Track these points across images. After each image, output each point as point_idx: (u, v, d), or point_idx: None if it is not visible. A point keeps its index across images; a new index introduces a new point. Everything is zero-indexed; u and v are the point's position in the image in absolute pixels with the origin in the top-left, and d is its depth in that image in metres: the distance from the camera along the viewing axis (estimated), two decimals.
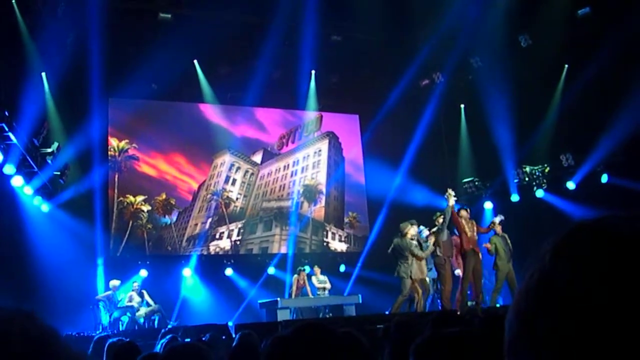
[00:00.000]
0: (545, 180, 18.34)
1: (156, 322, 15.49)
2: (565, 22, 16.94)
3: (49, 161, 14.82)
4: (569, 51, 17.25)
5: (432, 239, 13.97)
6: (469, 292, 13.95)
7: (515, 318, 0.80)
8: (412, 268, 13.25)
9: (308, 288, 16.73)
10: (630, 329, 0.68)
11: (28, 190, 14.68)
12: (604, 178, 16.63)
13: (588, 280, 0.73)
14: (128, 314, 15.29)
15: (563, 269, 0.76)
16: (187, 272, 18.21)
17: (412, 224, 13.86)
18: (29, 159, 14.03)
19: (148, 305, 15.67)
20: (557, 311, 0.74)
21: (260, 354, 1.87)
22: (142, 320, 15.32)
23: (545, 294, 0.76)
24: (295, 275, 17.05)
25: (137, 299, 15.64)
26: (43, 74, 16.25)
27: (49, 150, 14.83)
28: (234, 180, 20.14)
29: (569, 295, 0.73)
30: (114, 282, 15.60)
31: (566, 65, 18.02)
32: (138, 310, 15.37)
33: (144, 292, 15.88)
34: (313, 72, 20.26)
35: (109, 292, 15.35)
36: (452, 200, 13.78)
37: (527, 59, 17.98)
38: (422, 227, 14.55)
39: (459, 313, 11.57)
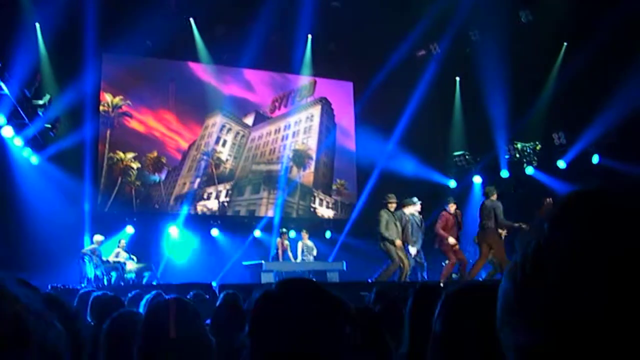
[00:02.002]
0: (536, 158, 18.35)
1: (145, 280, 15.53)
2: (568, 0, 16.84)
3: (40, 113, 14.75)
4: (569, 30, 17.18)
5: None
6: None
7: (511, 287, 0.79)
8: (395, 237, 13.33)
9: (290, 253, 16.88)
10: (631, 294, 0.67)
11: (18, 141, 14.63)
12: (595, 159, 16.64)
13: (589, 248, 0.71)
14: (116, 268, 15.29)
15: (562, 237, 0.74)
16: (174, 230, 18.22)
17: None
18: (20, 110, 13.95)
19: (138, 262, 15.72)
20: (556, 280, 0.73)
21: (249, 308, 1.87)
22: (132, 275, 15.35)
23: (543, 262, 0.75)
24: (278, 239, 17.16)
25: (124, 255, 15.65)
26: (37, 24, 16.13)
27: (41, 102, 14.74)
28: (225, 142, 20.08)
29: (569, 264, 0.72)
30: (98, 237, 15.56)
31: (565, 44, 17.96)
32: (125, 265, 15.38)
33: (133, 257, 15.87)
34: (310, 37, 20.13)
35: (94, 246, 15.34)
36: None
37: (526, 35, 17.91)
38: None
39: (441, 284, 11.66)
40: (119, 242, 16.02)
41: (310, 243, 17.13)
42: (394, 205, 13.65)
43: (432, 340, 1.93)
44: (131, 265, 15.47)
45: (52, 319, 0.96)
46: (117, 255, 15.57)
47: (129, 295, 6.76)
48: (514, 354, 0.78)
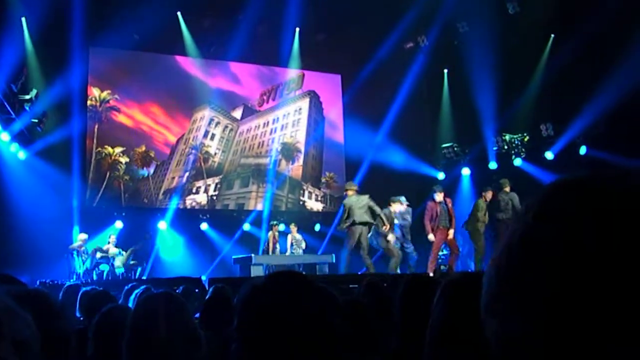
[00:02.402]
0: (524, 149, 18.41)
1: (137, 274, 15.51)
2: None
3: (27, 108, 14.68)
4: (556, 21, 17.20)
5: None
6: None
7: (496, 276, 0.78)
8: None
9: (277, 245, 16.92)
10: (619, 280, 0.67)
11: (5, 136, 14.56)
12: (583, 149, 16.70)
13: (576, 236, 0.70)
14: (104, 263, 15.27)
15: (549, 224, 0.73)
16: (163, 225, 18.19)
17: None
18: (7, 105, 13.89)
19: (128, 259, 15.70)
20: (542, 268, 0.71)
21: (237, 302, 1.87)
22: (122, 270, 15.33)
23: (528, 250, 0.74)
24: (270, 231, 17.18)
25: (114, 250, 15.60)
26: (23, 18, 16.03)
27: (27, 97, 14.68)
28: (213, 135, 20.06)
29: (555, 251, 0.71)
30: (82, 236, 15.48)
31: (552, 35, 17.98)
32: (114, 259, 15.35)
33: (124, 252, 15.80)
34: (297, 29, 20.11)
35: (80, 243, 15.28)
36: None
37: (513, 26, 17.93)
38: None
39: (431, 275, 11.73)
40: (109, 237, 15.95)
41: (299, 236, 17.13)
42: (352, 193, 13.79)
43: (430, 325, 1.94)
44: (120, 262, 15.43)
45: (21, 311, 0.97)
46: (106, 251, 15.53)
47: (126, 288, 6.73)
48: (496, 342, 0.77)
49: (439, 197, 13.99)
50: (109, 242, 15.76)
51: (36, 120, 15.22)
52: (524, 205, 0.79)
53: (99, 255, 15.29)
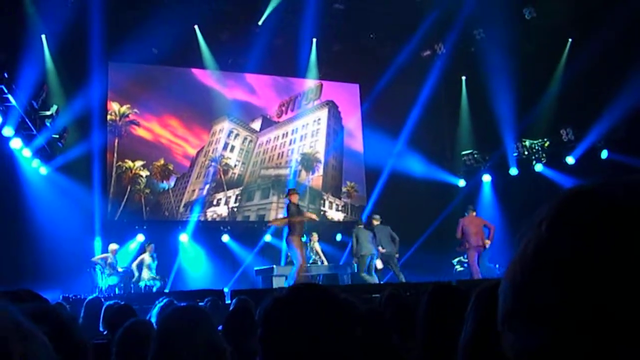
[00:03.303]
0: (544, 155, 18.30)
1: (155, 288, 15.53)
2: None
3: (48, 124, 14.82)
4: (573, 25, 17.14)
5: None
6: None
7: (511, 290, 0.77)
8: None
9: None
10: (631, 295, 0.65)
11: (27, 152, 14.66)
12: (604, 154, 16.58)
13: (591, 247, 0.68)
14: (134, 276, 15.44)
15: (563, 236, 0.72)
16: (184, 237, 18.22)
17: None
18: (28, 122, 14.01)
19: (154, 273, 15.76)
20: (558, 280, 0.70)
21: (260, 314, 1.87)
22: (142, 284, 15.40)
23: (543, 263, 0.72)
24: None
25: (148, 260, 15.66)
26: (43, 36, 16.21)
27: (48, 113, 14.82)
28: (233, 147, 20.10)
29: (570, 263, 0.69)
30: (113, 246, 15.48)
31: (570, 39, 17.91)
32: (141, 272, 15.45)
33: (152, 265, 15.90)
34: (314, 40, 20.14)
35: (106, 255, 15.29)
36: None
37: (530, 31, 17.88)
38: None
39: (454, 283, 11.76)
40: (148, 246, 16.03)
41: (319, 247, 17.07)
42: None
43: (464, 335, 1.93)
44: (146, 274, 15.47)
45: (39, 334, 0.95)
46: (141, 262, 15.62)
47: (157, 302, 6.75)
48: (514, 356, 0.76)
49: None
50: (146, 251, 15.86)
51: (57, 136, 15.36)
52: (536, 215, 0.78)
53: (136, 263, 15.46)
